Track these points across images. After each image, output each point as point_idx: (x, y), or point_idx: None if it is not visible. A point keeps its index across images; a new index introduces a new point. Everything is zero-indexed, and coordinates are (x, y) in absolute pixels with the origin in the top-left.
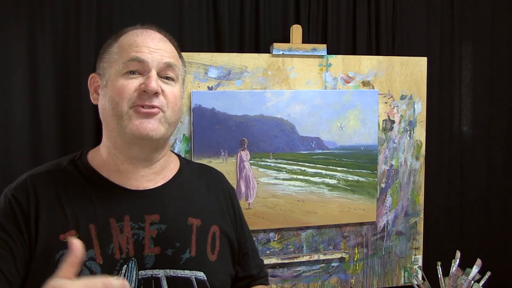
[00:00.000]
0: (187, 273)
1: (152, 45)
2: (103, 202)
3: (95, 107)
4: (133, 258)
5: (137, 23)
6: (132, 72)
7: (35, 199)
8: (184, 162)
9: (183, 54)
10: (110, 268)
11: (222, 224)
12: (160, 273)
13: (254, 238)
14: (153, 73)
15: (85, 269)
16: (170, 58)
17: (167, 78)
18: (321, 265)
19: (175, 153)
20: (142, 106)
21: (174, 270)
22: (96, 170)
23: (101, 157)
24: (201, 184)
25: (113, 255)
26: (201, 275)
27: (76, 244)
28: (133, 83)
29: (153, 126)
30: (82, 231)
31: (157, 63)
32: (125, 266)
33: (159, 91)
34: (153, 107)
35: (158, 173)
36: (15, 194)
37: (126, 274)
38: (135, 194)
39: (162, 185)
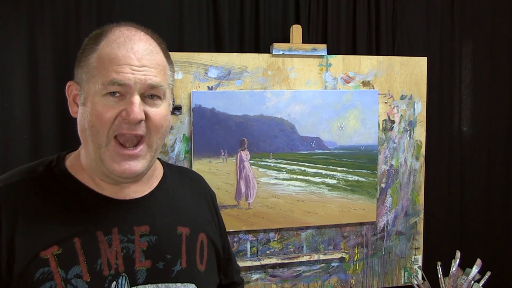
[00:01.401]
0: (179, 286)
1: (136, 62)
2: (88, 214)
3: None
4: (124, 274)
5: (137, 23)
6: (113, 93)
7: (11, 214)
8: (166, 166)
9: (183, 54)
10: (98, 285)
11: (209, 231)
12: None
13: (254, 238)
14: (136, 99)
15: None
16: (156, 76)
17: (153, 96)
18: (321, 265)
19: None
20: (125, 146)
21: (166, 284)
22: (77, 179)
23: (81, 165)
24: (185, 189)
25: (101, 271)
26: (192, 287)
27: None
28: (114, 109)
29: (135, 167)
30: (65, 246)
31: (140, 85)
32: (114, 282)
33: (143, 118)
34: (135, 148)
35: (145, 184)
36: None
37: None
38: (122, 205)
39: (149, 193)
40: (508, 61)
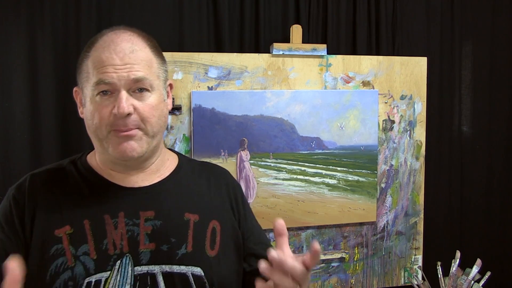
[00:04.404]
0: (183, 268)
1: (118, 61)
2: (98, 199)
3: None
4: (128, 254)
5: (137, 23)
6: (105, 92)
7: (32, 198)
8: (184, 160)
9: (183, 54)
10: (103, 263)
11: (223, 220)
12: (156, 269)
13: None
14: (122, 95)
15: (79, 264)
16: (139, 71)
17: (141, 89)
18: (321, 265)
19: (175, 151)
20: (120, 130)
21: (170, 266)
22: (94, 169)
23: (96, 159)
24: (202, 181)
25: (106, 250)
26: (198, 270)
27: (12, 268)
28: (107, 106)
29: (133, 147)
30: (76, 226)
31: (124, 81)
32: (119, 261)
33: (131, 111)
34: (129, 129)
35: (154, 173)
36: (14, 193)
37: (120, 269)
38: (130, 192)
39: (158, 182)
40: (508, 61)
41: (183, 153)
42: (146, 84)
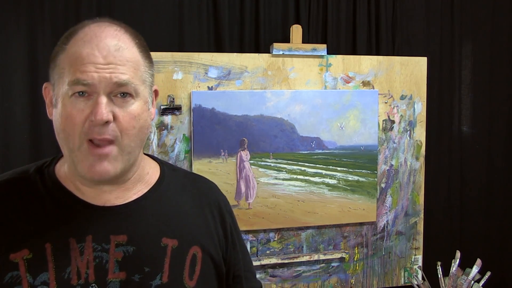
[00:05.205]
0: None
1: (101, 59)
2: (63, 219)
3: None
4: (94, 284)
5: (137, 23)
6: (81, 93)
7: None
8: (167, 171)
9: (183, 54)
10: None
11: (206, 244)
12: None
13: (254, 238)
14: (101, 99)
15: None
16: (124, 74)
17: (123, 94)
18: (321, 265)
19: (157, 160)
20: (97, 145)
21: None
22: (60, 182)
23: (65, 169)
24: (186, 197)
25: (69, 280)
26: None
27: None
28: (82, 111)
29: (106, 169)
30: (36, 250)
31: (105, 84)
32: None
33: (110, 119)
34: (104, 141)
35: (130, 189)
36: None
37: None
38: (101, 212)
39: (134, 200)
40: (508, 61)
41: (183, 154)
42: (130, 89)
